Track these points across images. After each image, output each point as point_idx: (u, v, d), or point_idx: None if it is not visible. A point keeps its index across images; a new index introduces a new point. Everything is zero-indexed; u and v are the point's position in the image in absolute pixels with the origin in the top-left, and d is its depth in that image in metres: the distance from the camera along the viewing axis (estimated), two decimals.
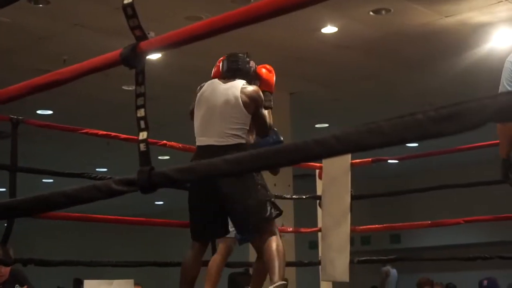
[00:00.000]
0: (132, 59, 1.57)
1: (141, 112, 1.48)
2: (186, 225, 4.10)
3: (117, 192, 1.41)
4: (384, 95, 9.19)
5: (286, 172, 8.69)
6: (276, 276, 3.70)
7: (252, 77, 4.05)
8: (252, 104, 3.85)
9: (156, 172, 1.44)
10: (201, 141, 3.86)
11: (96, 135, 4.87)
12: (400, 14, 6.58)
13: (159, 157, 12.85)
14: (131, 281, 5.05)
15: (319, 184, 6.17)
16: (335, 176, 6.01)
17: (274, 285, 3.61)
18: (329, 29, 6.95)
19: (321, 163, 6.07)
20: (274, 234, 3.89)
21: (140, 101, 1.49)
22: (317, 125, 11.16)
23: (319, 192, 6.11)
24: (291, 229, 7.19)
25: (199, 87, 3.98)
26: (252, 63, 4.10)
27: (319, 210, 6.12)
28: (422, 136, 1.13)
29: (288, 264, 6.18)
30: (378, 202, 12.94)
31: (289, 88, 8.58)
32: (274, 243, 3.84)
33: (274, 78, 4.22)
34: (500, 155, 3.31)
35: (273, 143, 4.18)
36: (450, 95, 8.60)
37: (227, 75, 3.95)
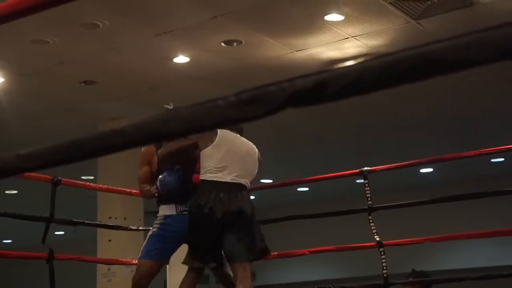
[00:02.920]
0: None
1: None
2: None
3: None
4: None
5: (137, 206, 8.59)
6: None
7: None
8: None
9: None
10: None
11: None
12: (252, 46, 6.66)
13: (6, 192, 12.33)
14: None
15: None
16: None
17: None
18: (181, 59, 6.94)
19: None
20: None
21: None
22: None
23: None
24: (135, 261, 6.99)
25: None
26: None
27: None
28: (223, 121, 1.07)
29: None
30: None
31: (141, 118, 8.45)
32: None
33: None
34: None
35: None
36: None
37: None
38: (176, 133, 1.10)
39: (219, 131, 4.37)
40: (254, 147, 4.48)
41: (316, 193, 12.79)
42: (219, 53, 6.78)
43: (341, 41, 6.57)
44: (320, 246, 6.32)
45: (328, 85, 0.98)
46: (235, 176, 4.26)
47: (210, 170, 4.26)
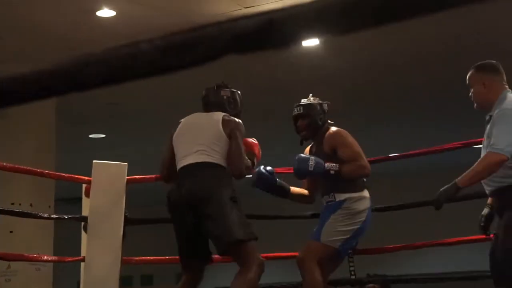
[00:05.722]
0: None
1: None
2: None
3: None
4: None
5: (47, 191, 8.48)
6: None
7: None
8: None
9: None
10: None
11: None
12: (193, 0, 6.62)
13: None
14: None
15: (86, 203, 6.02)
16: (106, 193, 5.90)
17: None
18: (106, 12, 6.88)
19: (90, 176, 5.92)
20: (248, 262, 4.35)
21: None
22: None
23: (85, 213, 5.96)
24: (46, 257, 6.92)
25: None
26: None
27: (83, 235, 5.97)
28: (147, 71, 1.05)
29: None
30: (164, 229, 12.83)
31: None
32: (246, 274, 4.32)
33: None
34: (460, 182, 3.97)
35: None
36: None
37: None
38: (90, 84, 1.07)
39: (183, 119, 4.78)
40: (219, 117, 4.66)
41: None
42: (153, 6, 6.72)
43: None
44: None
45: (279, 26, 0.96)
46: (196, 155, 4.54)
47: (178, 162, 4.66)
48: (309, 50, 7.83)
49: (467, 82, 4.19)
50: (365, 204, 4.95)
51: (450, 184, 3.99)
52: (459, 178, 3.97)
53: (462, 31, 7.53)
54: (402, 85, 9.37)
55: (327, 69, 8.39)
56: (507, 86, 4.17)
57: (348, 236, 4.86)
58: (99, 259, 5.65)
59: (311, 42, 7.60)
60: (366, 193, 5.00)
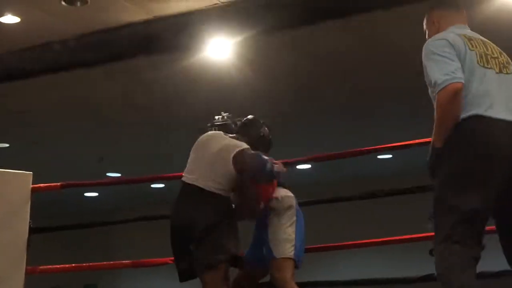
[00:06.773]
0: None
1: None
2: None
3: None
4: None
5: None
6: None
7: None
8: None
9: None
10: None
11: None
12: (100, 7, 6.52)
13: None
14: None
15: None
16: (10, 203, 5.80)
17: None
18: (10, 18, 6.76)
19: None
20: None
21: None
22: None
23: None
24: None
25: None
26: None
27: None
28: (59, 67, 1.03)
29: None
30: (72, 239, 12.70)
31: None
32: None
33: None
34: (434, 143, 3.51)
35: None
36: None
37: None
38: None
39: (202, 136, 4.74)
40: (233, 145, 4.58)
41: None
42: (58, 13, 6.60)
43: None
44: None
45: (187, 28, 0.94)
46: (194, 177, 4.53)
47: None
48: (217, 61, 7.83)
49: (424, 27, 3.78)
50: (291, 201, 4.73)
51: (430, 149, 3.54)
52: (432, 139, 3.54)
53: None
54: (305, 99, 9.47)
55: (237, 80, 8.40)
56: (462, 23, 3.69)
57: (294, 241, 4.61)
58: (2, 270, 5.52)
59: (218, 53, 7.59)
60: (285, 192, 4.77)
